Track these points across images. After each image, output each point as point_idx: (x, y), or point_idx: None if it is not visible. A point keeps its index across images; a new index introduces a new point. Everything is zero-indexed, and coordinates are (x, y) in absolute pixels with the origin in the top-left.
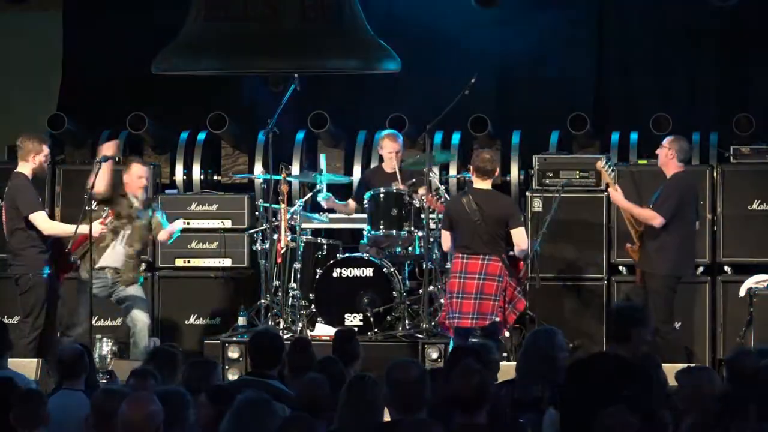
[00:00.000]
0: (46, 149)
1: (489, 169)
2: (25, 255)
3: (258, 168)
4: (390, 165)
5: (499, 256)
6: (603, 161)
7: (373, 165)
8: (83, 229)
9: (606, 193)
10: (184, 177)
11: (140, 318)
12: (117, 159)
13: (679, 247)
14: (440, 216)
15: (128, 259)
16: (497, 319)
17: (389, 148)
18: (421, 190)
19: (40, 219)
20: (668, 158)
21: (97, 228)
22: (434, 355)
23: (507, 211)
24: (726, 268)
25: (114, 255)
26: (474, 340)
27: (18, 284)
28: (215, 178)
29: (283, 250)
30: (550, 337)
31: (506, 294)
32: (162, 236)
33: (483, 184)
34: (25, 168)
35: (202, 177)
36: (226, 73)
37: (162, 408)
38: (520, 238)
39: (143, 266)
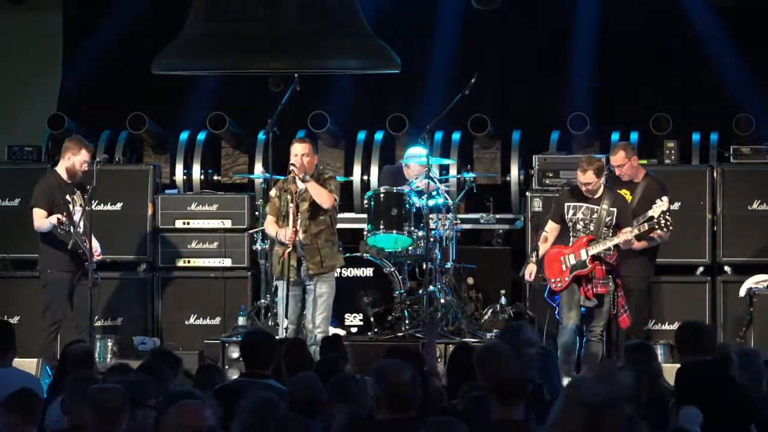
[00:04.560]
0: (84, 153)
1: None
2: (45, 251)
3: (258, 168)
4: (412, 177)
5: None
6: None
7: (374, 164)
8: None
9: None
10: (184, 177)
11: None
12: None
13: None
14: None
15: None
16: None
17: (417, 173)
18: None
19: (34, 214)
20: (635, 167)
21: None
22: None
23: None
24: (726, 268)
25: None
26: None
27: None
28: (215, 178)
29: None
30: (515, 333)
31: None
32: None
33: None
34: (59, 166)
35: (202, 177)
36: (226, 73)
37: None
38: None
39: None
